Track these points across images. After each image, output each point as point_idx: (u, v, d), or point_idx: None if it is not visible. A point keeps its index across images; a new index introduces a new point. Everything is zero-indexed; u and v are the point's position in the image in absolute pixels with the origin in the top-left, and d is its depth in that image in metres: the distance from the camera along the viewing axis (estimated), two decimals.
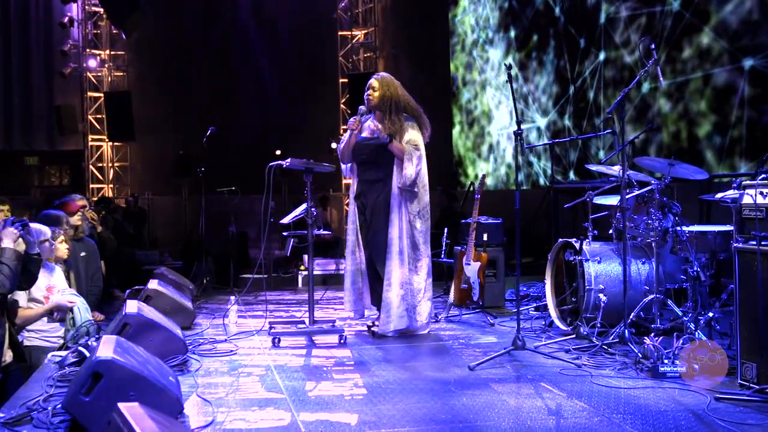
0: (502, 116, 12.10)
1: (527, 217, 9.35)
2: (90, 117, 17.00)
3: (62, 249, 5.65)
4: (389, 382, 4.29)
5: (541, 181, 10.75)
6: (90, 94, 16.93)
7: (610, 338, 4.98)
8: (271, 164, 5.49)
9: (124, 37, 15.22)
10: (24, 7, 16.55)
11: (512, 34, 11.66)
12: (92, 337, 5.15)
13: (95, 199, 16.02)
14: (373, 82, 5.74)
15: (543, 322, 5.90)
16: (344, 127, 5.52)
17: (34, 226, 5.23)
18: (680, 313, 5.07)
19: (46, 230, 5.21)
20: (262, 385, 4.25)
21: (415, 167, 5.54)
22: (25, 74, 16.66)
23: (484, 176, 6.40)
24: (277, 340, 5.37)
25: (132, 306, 4.78)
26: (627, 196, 5.12)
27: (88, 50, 16.59)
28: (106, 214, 11.56)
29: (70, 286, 5.94)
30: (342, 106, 15.99)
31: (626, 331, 4.84)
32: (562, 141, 7.44)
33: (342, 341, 5.42)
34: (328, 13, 16.13)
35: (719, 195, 5.23)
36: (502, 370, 4.54)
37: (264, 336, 5.58)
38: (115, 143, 17.16)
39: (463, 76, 13.54)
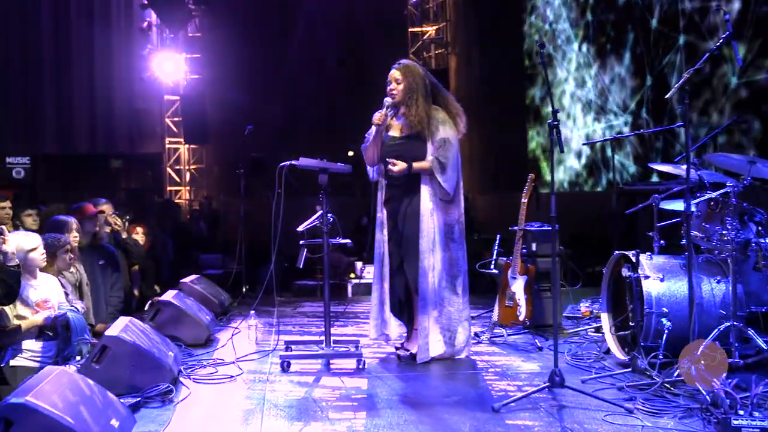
0: (578, 114, 11.14)
1: (602, 220, 8.40)
2: (167, 120, 17.02)
3: (65, 259, 5.19)
4: (391, 427, 3.58)
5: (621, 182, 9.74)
6: (167, 97, 16.94)
7: (675, 374, 4.09)
8: (282, 164, 4.88)
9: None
10: (106, 13, 16.66)
11: (588, 23, 10.69)
12: (84, 356, 4.70)
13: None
14: (395, 72, 5.01)
15: (598, 349, 5.03)
16: None
17: (18, 234, 4.80)
18: (764, 346, 4.13)
19: (34, 238, 4.75)
20: (239, 425, 3.63)
21: (450, 177, 4.86)
22: (108, 79, 16.79)
23: (531, 177, 5.57)
24: (286, 364, 4.75)
25: (115, 327, 4.28)
26: (694, 201, 4.22)
27: (166, 53, 16.53)
28: (161, 218, 11.32)
29: (81, 298, 5.54)
30: None
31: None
32: (622, 137, 6.46)
33: (360, 366, 4.74)
34: (399, 10, 15.50)
35: None
36: (533, 414, 3.74)
37: (283, 356, 4.94)
38: (191, 146, 17.12)
39: (538, 71, 12.61)
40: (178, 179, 17.25)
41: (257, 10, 16.21)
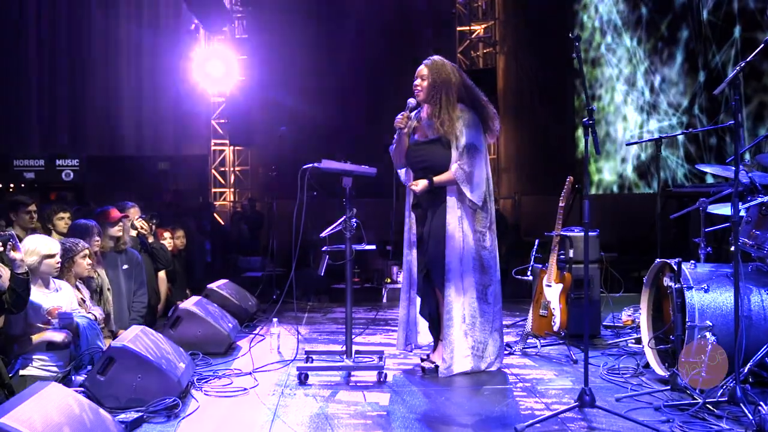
0: (630, 113, 10.68)
1: (650, 224, 7.98)
2: (213, 122, 17.00)
3: (83, 265, 5.05)
4: None
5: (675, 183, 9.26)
6: (213, 99, 16.92)
7: (719, 394, 3.73)
8: (305, 166, 4.66)
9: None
10: (155, 15, 16.77)
11: (641, 19, 10.23)
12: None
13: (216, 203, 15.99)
14: (422, 68, 4.74)
15: (637, 362, 4.67)
16: None
17: (40, 237, 4.68)
18: None
19: (54, 245, 4.61)
20: None
21: (477, 186, 4.59)
22: (155, 81, 16.89)
23: (569, 180, 5.23)
24: (304, 376, 4.53)
25: (123, 337, 4.11)
26: (744, 205, 3.86)
27: (213, 55, 16.48)
28: (199, 219, 11.23)
29: (102, 303, 5.41)
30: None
31: (738, 387, 3.58)
32: (667, 137, 6.01)
33: (381, 380, 4.49)
34: (447, 9, 15.17)
35: None
36: None
37: (300, 367, 4.71)
38: (237, 147, 17.09)
39: (588, 70, 12.15)
40: (222, 181, 17.23)
41: (304, 11, 16.06)
